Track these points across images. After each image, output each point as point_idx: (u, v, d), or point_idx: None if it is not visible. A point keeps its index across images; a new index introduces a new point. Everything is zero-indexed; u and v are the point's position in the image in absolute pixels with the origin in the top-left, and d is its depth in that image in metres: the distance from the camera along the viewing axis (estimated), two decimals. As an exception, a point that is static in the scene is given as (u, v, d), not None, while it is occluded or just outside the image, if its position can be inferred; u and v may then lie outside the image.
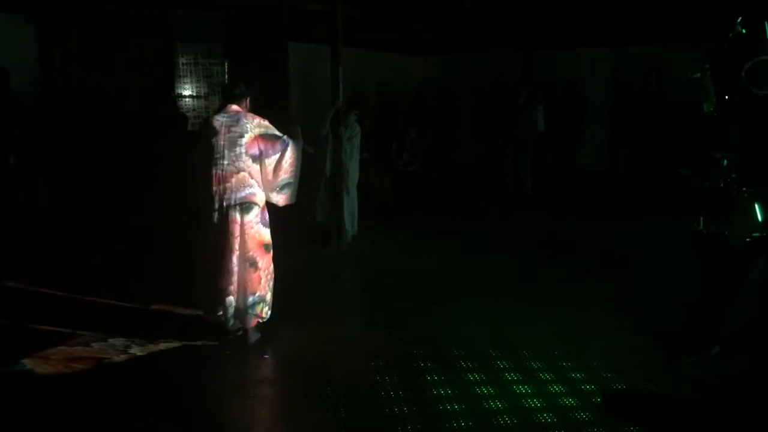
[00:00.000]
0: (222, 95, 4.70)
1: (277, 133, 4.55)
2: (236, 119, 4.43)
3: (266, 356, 4.39)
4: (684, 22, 9.39)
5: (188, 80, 9.03)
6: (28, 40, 8.29)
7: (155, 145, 8.34)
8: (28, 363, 4.13)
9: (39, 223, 7.92)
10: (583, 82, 10.50)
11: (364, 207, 7.69)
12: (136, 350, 4.35)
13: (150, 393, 3.84)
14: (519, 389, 3.77)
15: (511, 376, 3.94)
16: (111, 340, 4.48)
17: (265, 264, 4.54)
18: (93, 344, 4.43)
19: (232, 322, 4.50)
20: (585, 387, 3.81)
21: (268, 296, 4.57)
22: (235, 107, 4.49)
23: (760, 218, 3.36)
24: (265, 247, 4.54)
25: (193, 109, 9.09)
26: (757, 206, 3.38)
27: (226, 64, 9.11)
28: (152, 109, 8.75)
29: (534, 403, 3.62)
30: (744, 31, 3.38)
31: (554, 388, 3.78)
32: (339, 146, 7.08)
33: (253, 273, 4.47)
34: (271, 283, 4.59)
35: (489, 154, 10.61)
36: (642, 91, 9.55)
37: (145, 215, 7.88)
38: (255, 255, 4.46)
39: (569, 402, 3.62)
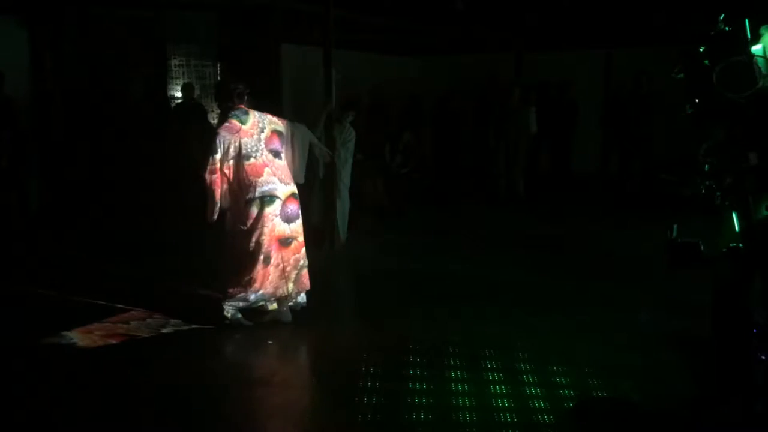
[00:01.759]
0: (231, 96, 4.76)
1: (283, 129, 4.87)
2: (254, 117, 4.71)
3: (270, 342, 4.62)
4: (676, 24, 9.41)
5: (180, 81, 9.03)
6: (20, 42, 8.31)
7: (148, 146, 8.35)
8: (74, 335, 4.58)
9: (31, 225, 7.93)
10: (575, 84, 10.53)
11: (357, 209, 7.70)
12: (168, 329, 4.75)
13: (155, 376, 4.07)
14: (496, 389, 3.77)
15: (493, 376, 3.95)
16: (149, 320, 4.90)
17: (283, 258, 4.72)
18: (132, 322, 4.88)
19: (242, 317, 4.79)
20: (565, 392, 3.76)
21: (282, 289, 4.77)
22: (243, 106, 4.75)
23: (737, 228, 3.13)
24: (281, 241, 4.71)
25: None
26: (734, 215, 3.16)
27: (218, 65, 9.13)
28: (145, 111, 8.76)
29: (503, 402, 3.61)
30: (727, 29, 3.14)
31: (532, 391, 3.75)
32: (332, 148, 7.09)
33: (265, 267, 4.67)
34: (291, 275, 4.78)
35: (482, 155, 10.63)
36: (633, 93, 9.58)
37: (142, 215, 7.88)
38: (270, 249, 4.66)
39: (540, 405, 3.59)
